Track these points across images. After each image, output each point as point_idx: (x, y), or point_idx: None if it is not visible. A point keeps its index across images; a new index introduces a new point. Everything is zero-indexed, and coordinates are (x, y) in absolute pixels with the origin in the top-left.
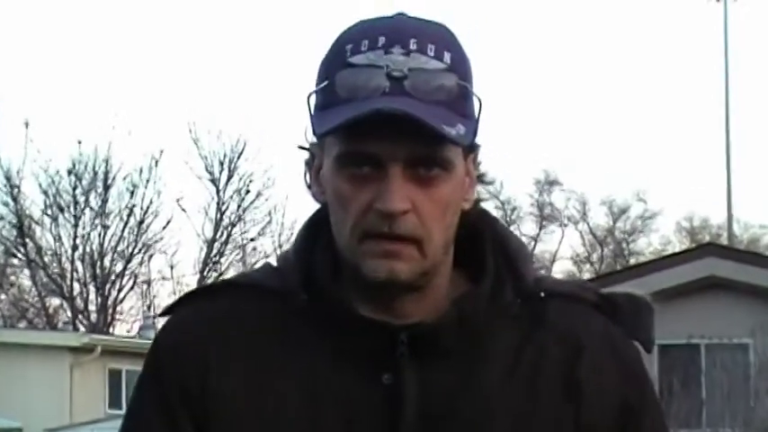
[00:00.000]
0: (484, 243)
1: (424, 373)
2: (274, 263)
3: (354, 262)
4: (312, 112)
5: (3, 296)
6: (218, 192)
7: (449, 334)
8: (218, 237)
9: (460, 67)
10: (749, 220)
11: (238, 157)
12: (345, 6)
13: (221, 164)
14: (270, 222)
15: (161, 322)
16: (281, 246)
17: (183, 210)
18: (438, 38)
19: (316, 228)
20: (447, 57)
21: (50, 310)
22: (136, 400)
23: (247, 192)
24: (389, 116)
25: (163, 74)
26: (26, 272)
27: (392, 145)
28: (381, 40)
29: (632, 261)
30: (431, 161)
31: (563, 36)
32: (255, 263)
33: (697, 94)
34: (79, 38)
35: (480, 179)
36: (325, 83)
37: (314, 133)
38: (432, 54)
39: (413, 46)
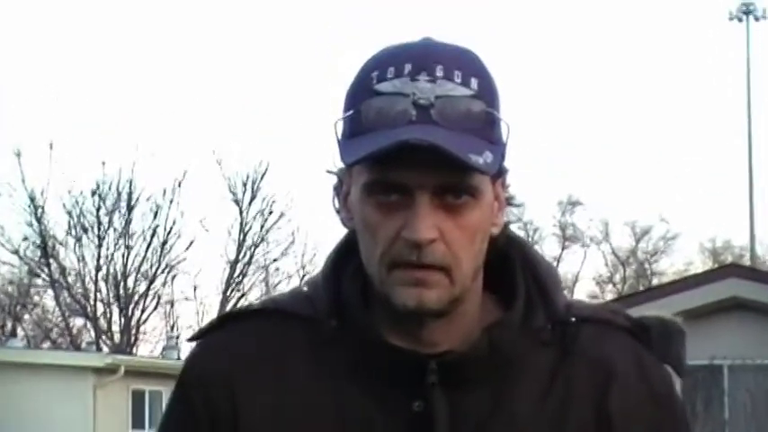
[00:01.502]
0: (514, 268)
1: (454, 401)
2: (304, 288)
3: (383, 291)
4: (339, 139)
5: (27, 316)
6: (240, 213)
7: (479, 363)
8: (240, 257)
9: (488, 92)
10: None
11: (261, 178)
12: (370, 31)
13: (244, 185)
14: (293, 243)
15: (189, 347)
16: (303, 266)
17: (207, 230)
18: (465, 64)
19: (345, 253)
20: (474, 83)
21: (74, 331)
22: (165, 427)
23: (270, 212)
24: (417, 146)
25: (186, 94)
26: (50, 292)
27: (420, 174)
28: (407, 67)
29: (655, 282)
30: (459, 189)
31: (588, 59)
32: (278, 284)
33: (720, 115)
34: (103, 59)
35: (509, 202)
36: (352, 111)
37: (342, 161)
38: (458, 81)
39: (439, 73)
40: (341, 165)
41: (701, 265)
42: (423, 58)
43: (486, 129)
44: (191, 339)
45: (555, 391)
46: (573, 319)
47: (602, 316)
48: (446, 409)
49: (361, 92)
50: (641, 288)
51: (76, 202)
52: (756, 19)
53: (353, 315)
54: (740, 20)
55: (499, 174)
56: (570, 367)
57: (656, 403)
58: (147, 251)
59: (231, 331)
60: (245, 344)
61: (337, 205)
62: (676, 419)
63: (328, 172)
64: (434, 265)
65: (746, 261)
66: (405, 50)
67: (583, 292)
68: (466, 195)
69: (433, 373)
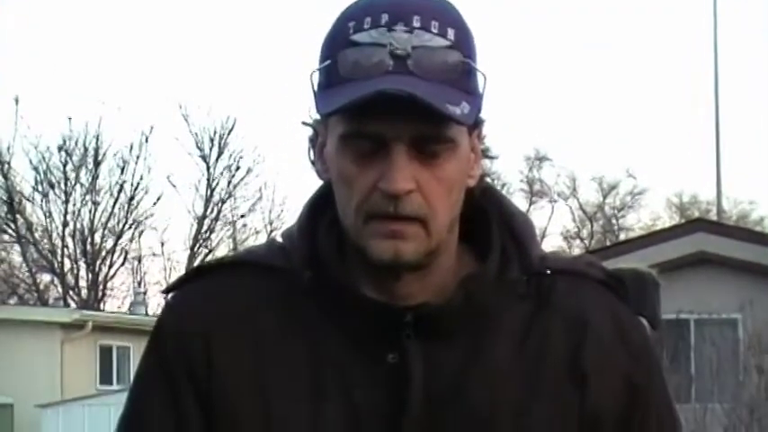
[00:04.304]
0: (490, 220)
1: (429, 354)
2: (279, 240)
3: (359, 243)
4: (315, 90)
5: None
6: (208, 168)
7: (454, 315)
8: (208, 213)
9: (464, 43)
10: (738, 195)
11: (228, 134)
12: None
13: (211, 140)
14: (260, 199)
15: (162, 299)
16: (271, 222)
17: (174, 186)
18: (441, 14)
19: (320, 205)
20: (451, 33)
21: (41, 287)
22: (140, 381)
23: (237, 168)
24: (394, 96)
25: (153, 49)
26: (17, 248)
27: (396, 124)
28: (384, 17)
29: (622, 237)
30: (435, 140)
31: (554, 14)
32: (246, 239)
33: (687, 70)
34: (69, 13)
35: (485, 154)
36: (328, 61)
37: (318, 112)
38: (435, 31)
39: (416, 23)
40: (316, 116)
41: (668, 220)
42: (400, 8)
43: (463, 79)
44: (165, 291)
45: (530, 344)
46: (548, 272)
47: (578, 268)
48: (421, 362)
49: (337, 42)
50: (608, 243)
51: (43, 158)
52: None
53: (329, 267)
54: None
55: (475, 125)
56: (545, 320)
57: (631, 355)
58: (114, 207)
59: (206, 283)
60: (220, 295)
61: (313, 157)
62: (651, 371)
63: (304, 123)
64: (411, 217)
65: (713, 216)
66: (382, 0)
67: (550, 247)
68: (442, 147)
69: (408, 326)
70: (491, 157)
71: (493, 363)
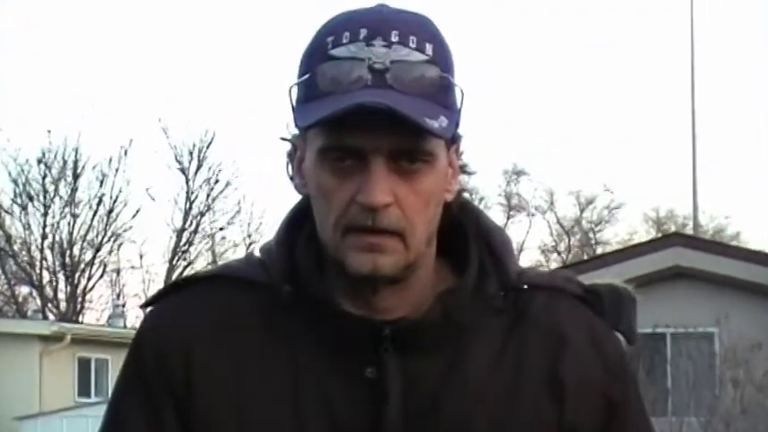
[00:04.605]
0: (467, 234)
1: (407, 368)
2: (257, 254)
3: (337, 256)
4: (294, 104)
5: None
6: (187, 181)
7: (432, 329)
8: (187, 226)
9: (442, 58)
10: (714, 210)
11: (207, 147)
12: None
13: (190, 153)
14: (239, 212)
15: (141, 313)
16: (249, 235)
17: (153, 199)
18: (419, 29)
19: (298, 219)
20: (429, 48)
21: (20, 299)
22: (119, 395)
23: (216, 181)
24: (372, 109)
25: (132, 63)
26: None
27: (375, 138)
28: (363, 32)
29: (599, 251)
30: (413, 154)
31: (530, 26)
32: (224, 252)
33: (663, 86)
34: (47, 26)
35: (463, 170)
36: (307, 76)
37: (296, 126)
38: (413, 46)
39: (394, 38)
40: (295, 131)
41: (644, 234)
42: (378, 23)
43: (441, 94)
44: (144, 305)
45: (508, 358)
46: (525, 287)
47: (555, 283)
48: (399, 376)
49: (316, 56)
50: (586, 257)
51: (22, 171)
52: None
53: (308, 281)
54: None
55: (453, 140)
56: (523, 334)
57: (608, 371)
58: (93, 219)
59: (186, 297)
60: (199, 310)
61: (291, 172)
62: (627, 387)
63: (282, 139)
64: (389, 230)
65: (689, 230)
66: (360, 15)
67: (528, 261)
68: (420, 160)
69: (386, 340)
70: (469, 173)
71: (471, 377)
